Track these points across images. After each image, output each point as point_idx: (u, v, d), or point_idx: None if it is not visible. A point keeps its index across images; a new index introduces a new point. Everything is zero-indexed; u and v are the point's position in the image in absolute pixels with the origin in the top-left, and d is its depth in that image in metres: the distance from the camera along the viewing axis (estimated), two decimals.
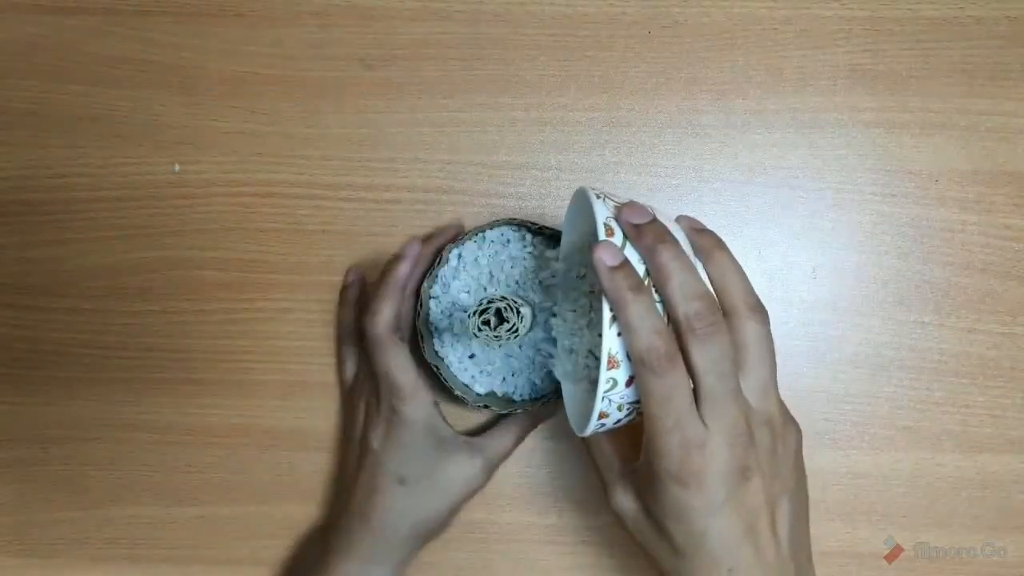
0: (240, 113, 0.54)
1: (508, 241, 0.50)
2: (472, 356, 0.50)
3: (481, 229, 0.49)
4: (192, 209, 0.54)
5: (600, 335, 0.38)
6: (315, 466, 0.54)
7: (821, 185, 0.53)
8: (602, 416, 0.40)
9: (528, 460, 0.54)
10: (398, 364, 0.47)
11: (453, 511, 0.49)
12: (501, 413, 0.50)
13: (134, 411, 0.54)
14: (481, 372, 0.50)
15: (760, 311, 0.40)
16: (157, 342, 0.54)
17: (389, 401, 0.47)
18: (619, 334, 0.38)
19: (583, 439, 0.42)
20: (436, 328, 0.50)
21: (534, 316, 0.48)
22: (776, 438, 0.40)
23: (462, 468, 0.48)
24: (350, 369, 0.53)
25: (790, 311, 0.53)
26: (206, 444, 0.54)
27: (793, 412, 0.52)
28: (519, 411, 0.49)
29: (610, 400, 0.39)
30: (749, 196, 0.53)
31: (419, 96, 0.53)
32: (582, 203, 0.43)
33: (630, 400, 0.40)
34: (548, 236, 0.50)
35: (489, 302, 0.44)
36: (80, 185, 0.54)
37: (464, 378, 0.50)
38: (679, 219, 0.43)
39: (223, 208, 0.54)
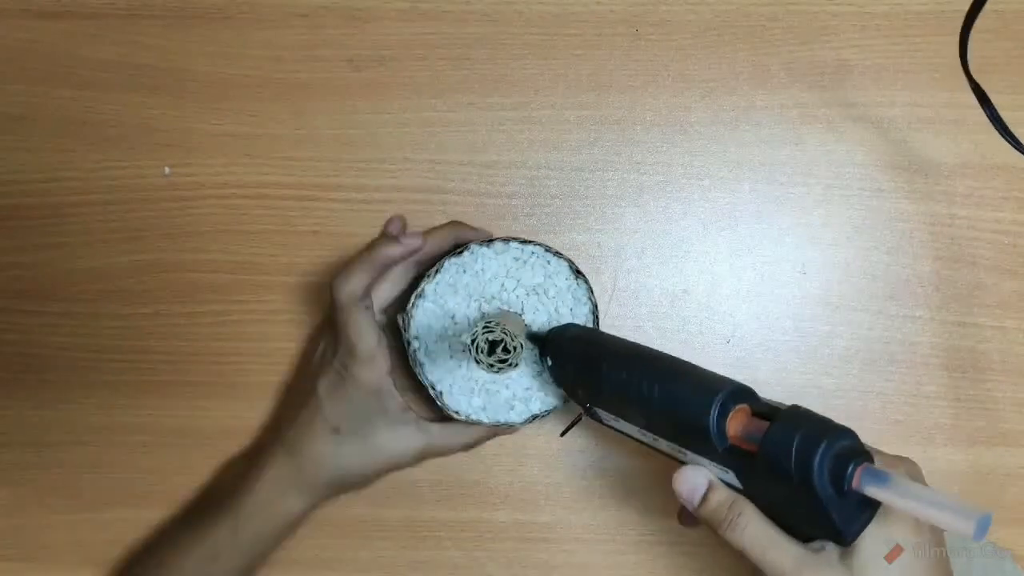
0: (229, 115, 0.54)
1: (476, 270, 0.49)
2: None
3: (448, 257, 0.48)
4: (183, 212, 0.54)
5: None
6: None
7: (810, 181, 0.53)
8: None
9: (520, 458, 0.54)
10: (358, 328, 0.47)
11: (376, 474, 0.50)
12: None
13: (127, 414, 0.54)
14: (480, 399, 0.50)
15: None
16: (149, 345, 0.54)
17: (343, 358, 0.48)
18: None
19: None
20: (427, 352, 0.49)
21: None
22: None
23: (397, 441, 0.49)
24: (352, 287, 0.48)
25: (780, 307, 0.53)
26: (200, 446, 0.54)
27: None
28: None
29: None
30: (738, 193, 0.53)
31: (408, 96, 0.54)
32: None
33: None
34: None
35: (487, 329, 0.41)
36: (70, 189, 0.54)
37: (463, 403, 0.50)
38: None
39: (213, 210, 0.54)
